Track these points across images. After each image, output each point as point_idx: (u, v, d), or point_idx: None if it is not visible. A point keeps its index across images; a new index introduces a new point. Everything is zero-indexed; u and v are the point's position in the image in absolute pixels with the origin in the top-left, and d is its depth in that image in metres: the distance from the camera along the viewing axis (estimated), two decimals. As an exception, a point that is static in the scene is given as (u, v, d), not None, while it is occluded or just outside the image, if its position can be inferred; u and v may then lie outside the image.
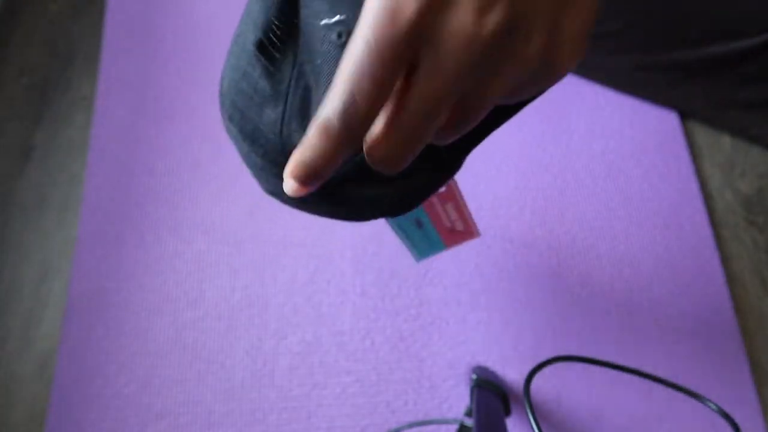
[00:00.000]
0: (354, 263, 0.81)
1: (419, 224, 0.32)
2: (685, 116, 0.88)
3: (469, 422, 0.61)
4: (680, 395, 0.73)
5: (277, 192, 0.26)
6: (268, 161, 0.24)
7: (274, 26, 0.22)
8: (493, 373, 0.73)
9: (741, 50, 0.71)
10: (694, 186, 0.83)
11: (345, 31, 0.19)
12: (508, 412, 0.68)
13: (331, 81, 0.20)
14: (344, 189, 0.24)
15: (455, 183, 0.31)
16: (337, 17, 0.19)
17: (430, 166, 0.25)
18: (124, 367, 0.77)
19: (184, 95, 0.92)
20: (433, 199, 0.31)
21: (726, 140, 0.87)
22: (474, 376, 0.70)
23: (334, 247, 0.82)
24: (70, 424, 0.74)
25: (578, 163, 0.86)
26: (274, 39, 0.22)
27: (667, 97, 0.87)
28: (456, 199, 0.31)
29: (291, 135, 0.23)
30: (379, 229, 0.82)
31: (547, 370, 0.75)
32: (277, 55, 0.22)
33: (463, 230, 0.33)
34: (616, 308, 0.77)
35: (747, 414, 0.72)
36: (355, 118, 0.15)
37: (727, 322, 0.76)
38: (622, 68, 0.82)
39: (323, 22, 0.20)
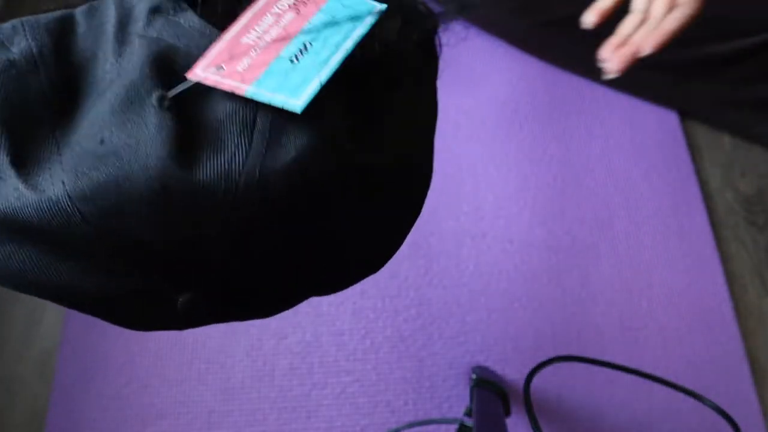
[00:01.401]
0: (354, 263, 0.81)
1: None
2: (685, 116, 0.88)
3: (469, 422, 0.61)
4: (680, 395, 0.73)
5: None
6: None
7: None
8: (493, 373, 0.73)
9: (741, 50, 0.71)
10: (694, 186, 0.83)
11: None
12: (508, 412, 0.68)
13: None
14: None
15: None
16: None
17: None
18: (124, 367, 0.77)
19: (184, 95, 0.92)
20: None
21: (726, 140, 0.87)
22: (474, 376, 0.70)
23: (334, 247, 0.82)
24: (70, 424, 0.74)
25: (578, 163, 0.86)
26: None
27: (667, 97, 0.87)
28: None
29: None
30: (379, 229, 0.82)
31: (547, 370, 0.74)
32: None
33: None
34: (616, 308, 0.77)
35: (747, 414, 0.72)
36: None
37: (727, 322, 0.76)
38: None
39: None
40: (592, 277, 0.79)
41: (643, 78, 0.83)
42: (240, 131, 0.17)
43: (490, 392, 0.66)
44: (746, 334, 0.76)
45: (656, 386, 0.74)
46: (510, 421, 0.72)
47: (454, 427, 0.73)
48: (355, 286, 0.81)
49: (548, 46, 0.88)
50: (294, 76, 0.18)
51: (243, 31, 0.19)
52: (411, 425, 0.63)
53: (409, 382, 0.75)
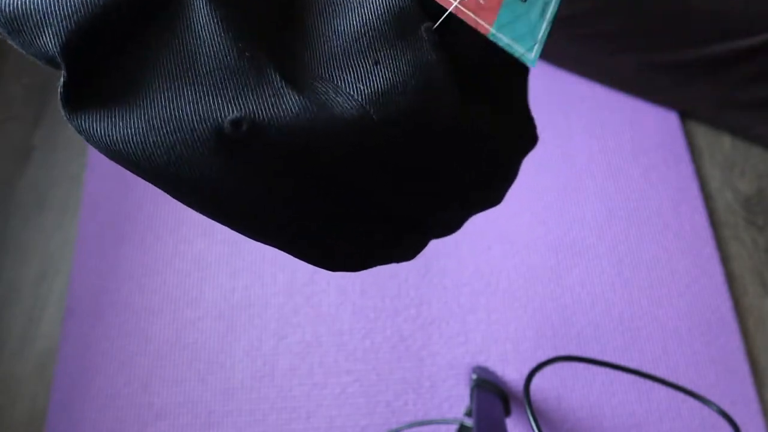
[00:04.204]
0: (354, 263, 0.81)
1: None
2: (685, 116, 0.88)
3: (469, 422, 0.61)
4: (680, 395, 0.73)
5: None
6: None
7: None
8: (493, 373, 0.73)
9: (741, 50, 0.71)
10: (694, 186, 0.83)
11: None
12: (508, 412, 0.68)
13: None
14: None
15: None
16: None
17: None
18: (124, 367, 0.77)
19: (184, 95, 0.92)
20: None
21: (726, 140, 0.87)
22: (474, 376, 0.70)
23: (334, 247, 0.82)
24: (70, 424, 0.74)
25: (578, 163, 0.86)
26: None
27: (668, 97, 0.87)
28: None
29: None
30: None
31: (547, 370, 0.75)
32: None
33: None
34: (616, 308, 0.77)
35: (747, 414, 0.72)
36: None
37: (727, 322, 0.76)
38: (623, 68, 0.82)
39: None
40: (592, 277, 0.79)
41: (643, 78, 0.83)
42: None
43: (490, 392, 0.66)
44: (746, 334, 0.76)
45: (656, 386, 0.74)
46: (510, 421, 0.72)
47: (454, 427, 0.73)
48: (355, 285, 0.81)
49: (548, 46, 0.88)
50: (522, 23, 0.20)
51: None
52: (411, 425, 0.62)
53: (409, 382, 0.75)
